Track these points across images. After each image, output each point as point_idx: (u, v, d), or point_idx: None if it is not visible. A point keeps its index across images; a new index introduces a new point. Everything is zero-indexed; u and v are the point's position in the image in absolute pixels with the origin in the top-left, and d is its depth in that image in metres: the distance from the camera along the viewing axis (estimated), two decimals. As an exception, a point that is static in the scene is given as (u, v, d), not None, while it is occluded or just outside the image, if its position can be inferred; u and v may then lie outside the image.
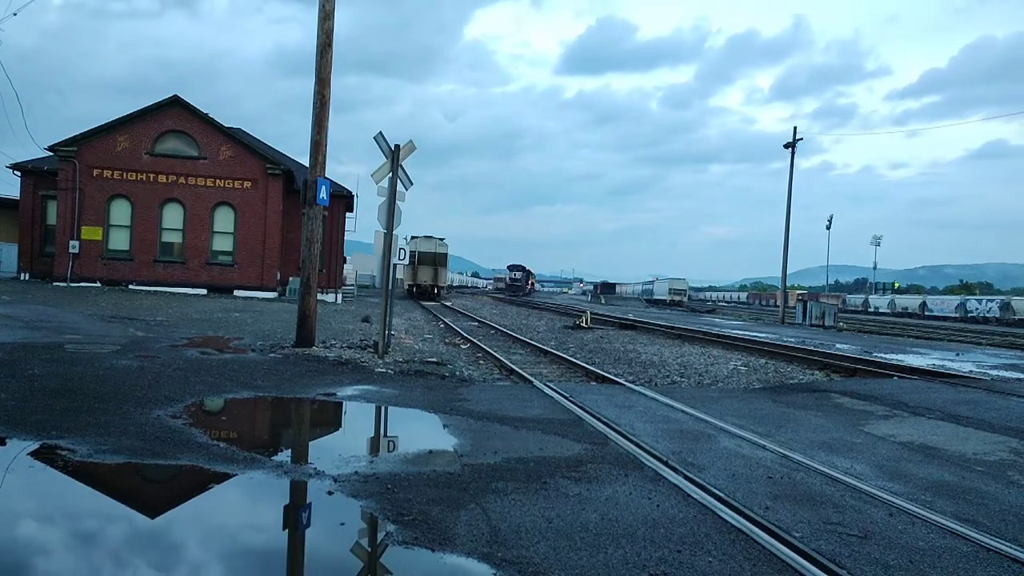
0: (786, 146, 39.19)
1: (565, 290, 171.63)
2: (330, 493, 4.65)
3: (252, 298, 29.63)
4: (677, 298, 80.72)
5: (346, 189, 35.25)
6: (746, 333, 25.63)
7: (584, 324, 25.63)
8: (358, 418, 7.80)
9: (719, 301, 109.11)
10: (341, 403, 8.20)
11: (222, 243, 31.44)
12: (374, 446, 6.45)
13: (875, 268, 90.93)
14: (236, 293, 30.74)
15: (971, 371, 15.10)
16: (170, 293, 28.63)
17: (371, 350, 12.69)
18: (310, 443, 6.69)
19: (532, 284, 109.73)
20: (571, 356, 14.73)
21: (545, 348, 16.10)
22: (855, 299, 79.29)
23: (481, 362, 13.48)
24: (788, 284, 44.16)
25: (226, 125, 32.15)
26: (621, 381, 11.00)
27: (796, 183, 38.91)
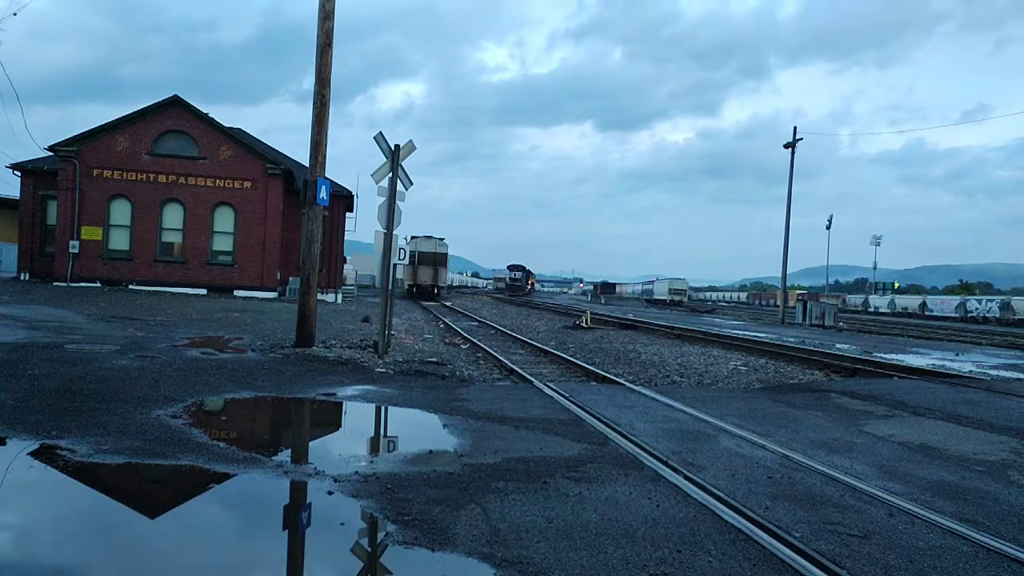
0: (786, 146, 39.21)
1: (565, 290, 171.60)
2: (330, 493, 4.65)
3: (252, 298, 29.63)
4: (677, 298, 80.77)
5: (346, 189, 35.23)
6: (746, 333, 25.63)
7: (584, 324, 25.64)
8: (358, 418, 7.80)
9: (719, 301, 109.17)
10: (341, 403, 8.20)
11: (222, 243, 31.43)
12: (374, 446, 6.45)
13: (875, 268, 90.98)
14: (236, 293, 30.74)
15: (971, 371, 15.11)
16: (170, 293, 28.63)
17: (371, 350, 12.69)
18: (310, 443, 6.68)
19: (532, 284, 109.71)
20: (571, 356, 14.74)
21: (545, 348, 16.10)
22: (855, 299, 79.34)
23: (481, 362, 13.49)
24: (788, 284, 44.17)
25: (226, 125, 32.18)
26: (621, 381, 11.00)
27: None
